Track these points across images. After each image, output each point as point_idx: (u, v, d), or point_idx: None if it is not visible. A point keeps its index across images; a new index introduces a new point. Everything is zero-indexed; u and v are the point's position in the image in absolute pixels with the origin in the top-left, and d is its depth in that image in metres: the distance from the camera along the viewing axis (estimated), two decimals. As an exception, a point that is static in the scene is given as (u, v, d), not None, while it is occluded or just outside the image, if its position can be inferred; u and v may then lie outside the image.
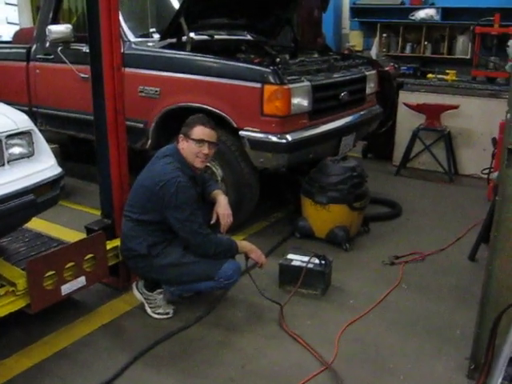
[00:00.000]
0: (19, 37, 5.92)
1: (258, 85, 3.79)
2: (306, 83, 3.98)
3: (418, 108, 5.91)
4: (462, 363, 2.76)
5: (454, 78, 6.42)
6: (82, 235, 3.41)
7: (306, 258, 3.47)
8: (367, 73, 4.94)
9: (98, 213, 3.53)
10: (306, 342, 2.92)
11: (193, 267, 2.96)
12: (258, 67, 3.89)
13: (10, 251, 3.25)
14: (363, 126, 4.90)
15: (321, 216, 4.08)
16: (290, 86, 3.82)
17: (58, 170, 2.90)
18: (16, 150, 2.72)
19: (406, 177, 6.00)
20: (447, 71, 6.52)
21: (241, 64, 3.99)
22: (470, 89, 6.08)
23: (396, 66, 6.52)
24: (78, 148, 5.83)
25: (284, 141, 3.83)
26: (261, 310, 3.27)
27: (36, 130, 2.83)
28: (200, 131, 2.94)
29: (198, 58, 4.10)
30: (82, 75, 4.50)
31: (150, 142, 4.40)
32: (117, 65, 3.13)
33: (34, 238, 3.44)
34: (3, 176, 2.60)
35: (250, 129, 3.88)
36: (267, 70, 3.82)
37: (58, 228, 4.07)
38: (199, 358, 2.81)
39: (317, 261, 3.43)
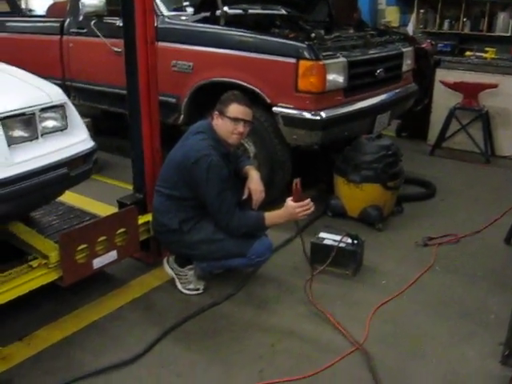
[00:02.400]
0: (53, 11, 5.93)
1: (293, 60, 3.72)
2: (342, 59, 3.89)
3: (456, 86, 5.75)
4: (495, 349, 2.69)
5: (493, 56, 6.20)
6: (114, 209, 3.43)
7: (338, 237, 3.42)
8: (404, 49, 4.81)
9: (130, 187, 3.53)
10: (337, 322, 2.88)
11: (224, 243, 2.93)
12: (293, 42, 3.81)
13: (43, 224, 3.28)
14: (399, 104, 4.78)
15: (354, 195, 4.02)
16: (326, 61, 3.73)
17: (91, 143, 2.90)
18: (49, 124, 2.71)
19: (441, 157, 5.87)
20: (486, 49, 6.31)
21: (275, 39, 3.91)
22: (510, 67, 5.87)
23: (433, 43, 6.38)
24: (110, 122, 5.85)
25: (318, 118, 3.76)
26: (291, 288, 3.24)
27: (69, 103, 2.82)
28: (235, 109, 2.89)
29: (232, 32, 4.03)
30: (116, 49, 4.48)
31: (182, 117, 4.39)
32: (150, 38, 3.09)
33: (66, 212, 3.46)
34: (37, 149, 2.60)
35: (284, 105, 3.82)
36: (302, 45, 3.74)
37: (91, 202, 4.09)
38: (228, 335, 2.80)
39: (349, 240, 3.38)
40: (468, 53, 6.47)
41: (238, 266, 3.06)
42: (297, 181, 2.84)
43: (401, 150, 4.21)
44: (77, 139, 2.78)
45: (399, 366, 2.63)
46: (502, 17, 7.61)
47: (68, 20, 5.08)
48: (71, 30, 5.03)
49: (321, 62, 3.70)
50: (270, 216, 2.93)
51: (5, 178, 2.39)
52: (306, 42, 3.76)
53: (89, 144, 2.86)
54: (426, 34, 7.24)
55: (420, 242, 3.82)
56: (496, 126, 5.83)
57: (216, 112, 2.95)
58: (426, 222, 4.21)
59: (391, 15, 8.46)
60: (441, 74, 5.96)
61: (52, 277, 2.77)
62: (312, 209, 2.89)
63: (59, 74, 5.14)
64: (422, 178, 4.95)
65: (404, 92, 4.84)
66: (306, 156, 4.50)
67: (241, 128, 2.92)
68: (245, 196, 3.08)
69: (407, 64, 4.89)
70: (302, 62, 3.70)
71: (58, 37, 5.11)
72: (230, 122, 2.90)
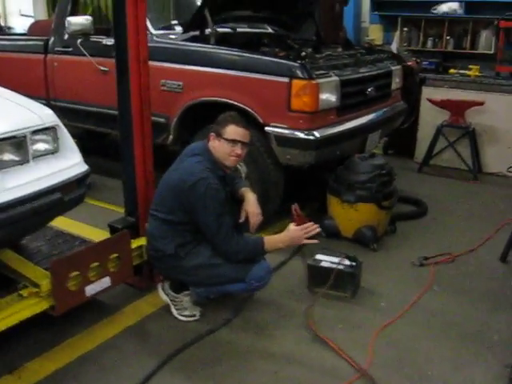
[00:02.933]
0: (35, 29, 5.82)
1: (286, 79, 3.68)
2: (334, 78, 3.86)
3: (443, 104, 5.77)
4: (501, 371, 2.65)
5: (477, 73, 6.27)
6: (104, 233, 3.33)
7: (335, 259, 3.36)
8: (393, 68, 4.82)
9: (119, 209, 3.45)
10: (339, 347, 2.80)
11: (222, 269, 2.85)
12: (285, 61, 3.77)
13: (31, 250, 3.15)
14: (389, 123, 4.78)
15: (348, 215, 3.97)
16: (319, 80, 3.70)
17: (84, 167, 2.79)
18: (41, 147, 2.61)
19: (429, 174, 5.86)
20: (470, 66, 6.37)
21: (268, 58, 3.87)
22: (495, 85, 5.91)
23: (418, 60, 6.38)
24: (95, 142, 5.73)
25: (312, 137, 3.72)
26: (290, 312, 3.16)
27: (61, 125, 2.72)
28: (233, 131, 2.82)
29: (223, 51, 3.98)
30: (102, 68, 4.41)
31: (171, 137, 4.31)
32: (143, 57, 3.02)
33: (55, 236, 3.33)
34: (29, 173, 2.49)
35: (277, 125, 3.77)
36: (295, 64, 3.70)
37: (79, 225, 3.96)
38: (230, 363, 2.70)
39: (347, 262, 3.32)
40: (452, 70, 6.52)
41: (236, 291, 2.97)
42: (295, 206, 2.81)
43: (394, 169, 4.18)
44: (70, 162, 2.67)
45: (405, 392, 2.56)
46: (484, 35, 7.71)
47: (53, 38, 4.98)
48: (56, 49, 4.93)
49: (314, 82, 3.66)
50: (271, 241, 2.86)
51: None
52: (299, 61, 3.73)
53: (82, 167, 2.76)
54: (410, 51, 7.29)
55: (416, 262, 3.77)
56: (483, 143, 5.85)
57: (212, 133, 2.88)
58: (419, 241, 4.17)
59: (374, 33, 8.52)
60: (427, 92, 5.97)
61: (43, 306, 2.64)
62: (317, 230, 2.83)
63: (43, 94, 5.02)
64: (412, 197, 4.92)
65: (393, 110, 4.84)
66: (298, 175, 4.44)
67: (238, 150, 2.85)
68: (242, 219, 3.00)
69: (396, 82, 4.90)
70: (295, 82, 3.66)
71: (42, 56, 5.01)
72: (227, 143, 2.83)
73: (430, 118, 5.98)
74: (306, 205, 4.61)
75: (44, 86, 5.04)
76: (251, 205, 3.01)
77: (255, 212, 3.00)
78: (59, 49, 4.90)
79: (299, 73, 3.66)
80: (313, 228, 2.84)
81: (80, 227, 3.85)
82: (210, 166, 2.84)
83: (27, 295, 2.59)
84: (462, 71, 6.40)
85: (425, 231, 4.39)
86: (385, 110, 4.67)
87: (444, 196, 5.22)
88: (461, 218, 4.69)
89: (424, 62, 6.80)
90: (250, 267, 2.84)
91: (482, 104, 5.61)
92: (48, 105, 4.85)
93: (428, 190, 5.34)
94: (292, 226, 2.85)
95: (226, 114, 2.92)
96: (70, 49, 4.77)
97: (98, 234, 3.62)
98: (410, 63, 5.95)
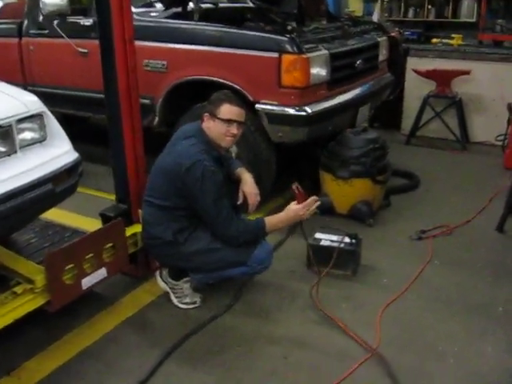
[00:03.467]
0: (5, 12, 5.56)
1: (275, 54, 3.55)
2: (324, 51, 3.74)
3: (428, 74, 5.70)
4: (510, 344, 2.63)
5: (460, 42, 6.22)
6: (95, 221, 3.20)
7: (334, 237, 3.29)
8: (379, 39, 4.72)
9: (107, 196, 3.31)
10: (347, 327, 2.74)
11: (223, 253, 2.75)
12: (274, 36, 3.64)
13: (21, 243, 3.01)
14: (377, 95, 4.68)
15: (343, 191, 3.89)
16: (309, 54, 3.58)
17: (74, 155, 2.65)
18: (28, 135, 2.45)
19: (417, 146, 5.82)
20: (453, 35, 6.31)
21: (255, 33, 3.74)
22: (479, 53, 5.86)
23: (401, 31, 6.28)
24: (73, 127, 5.54)
25: (304, 113, 3.61)
26: (292, 293, 3.09)
27: (48, 111, 2.57)
28: (227, 110, 2.70)
29: (208, 27, 3.83)
30: (81, 50, 4.23)
31: (157, 119, 4.18)
32: (129, 37, 2.88)
33: (44, 228, 3.20)
34: (17, 164, 2.34)
35: (267, 102, 3.65)
36: (284, 38, 3.58)
37: (68, 215, 3.82)
38: (236, 350, 2.62)
39: (347, 239, 3.25)
40: (435, 40, 6.45)
41: (238, 275, 2.88)
42: (296, 185, 2.74)
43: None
44: (59, 151, 2.53)
45: (418, 368, 2.51)
46: (466, 3, 7.62)
47: (27, 21, 4.76)
48: (31, 32, 4.72)
49: (304, 56, 3.55)
50: (272, 221, 2.77)
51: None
52: (288, 35, 3.60)
53: (72, 156, 2.62)
54: (391, 22, 7.18)
55: (414, 236, 3.72)
56: (469, 113, 5.82)
57: (206, 114, 2.76)
58: (415, 215, 4.13)
59: (354, 4, 8.38)
60: (412, 63, 5.90)
61: (39, 302, 2.52)
62: (317, 203, 2.77)
63: (20, 79, 4.81)
64: (404, 169, 4.86)
65: (381, 82, 4.75)
66: (287, 152, 4.34)
67: (234, 130, 2.74)
68: (240, 201, 2.91)
69: (383, 54, 4.81)
70: (285, 56, 3.53)
71: (17, 39, 4.79)
72: (222, 123, 2.71)
73: (415, 89, 5.92)
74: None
75: (20, 70, 4.83)
76: (249, 185, 2.91)
77: (253, 192, 2.91)
78: (34, 31, 4.69)
79: (289, 47, 3.54)
80: (313, 203, 2.79)
81: (70, 217, 3.71)
82: (205, 147, 2.72)
83: (21, 292, 2.47)
84: (444, 40, 6.34)
85: (419, 204, 4.34)
86: (373, 82, 4.57)
87: (434, 167, 5.18)
88: (453, 188, 4.66)
89: (406, 33, 6.71)
90: (251, 250, 2.75)
91: (468, 73, 5.56)
92: (25, 90, 4.69)
93: (417, 161, 5.29)
94: (293, 205, 2.77)
95: (219, 93, 2.80)
96: (46, 31, 4.56)
97: (89, 223, 3.48)
98: (393, 34, 5.85)
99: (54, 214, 3.48)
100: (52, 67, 4.66)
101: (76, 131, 5.36)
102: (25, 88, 4.65)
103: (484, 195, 4.40)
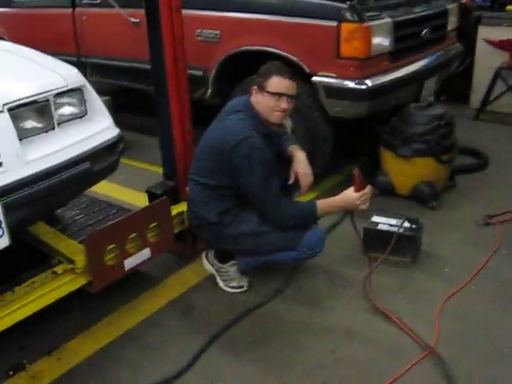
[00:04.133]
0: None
1: (334, 23, 3.31)
2: (387, 20, 3.46)
3: (502, 44, 5.26)
4: None
5: (537, 9, 5.70)
6: (143, 196, 3.10)
7: (393, 221, 3.06)
8: (448, 6, 4.35)
9: (155, 169, 3.21)
10: (402, 321, 2.54)
11: (271, 236, 2.59)
12: (332, 3, 3.38)
13: (65, 220, 2.95)
14: (445, 67, 4.34)
15: (404, 170, 3.63)
16: (370, 23, 3.32)
17: (115, 131, 2.52)
18: (66, 111, 2.33)
19: (487, 121, 5.41)
20: (530, 1, 5.79)
21: (313, 0, 3.48)
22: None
23: (473, -3, 5.83)
24: (129, 98, 5.49)
25: (364, 86, 3.37)
26: (345, 280, 2.90)
27: (88, 85, 2.44)
28: (277, 83, 2.50)
29: (263, -6, 3.61)
30: (133, 20, 4.10)
31: (210, 90, 4.03)
32: (175, 5, 2.71)
33: (90, 204, 3.12)
34: (54, 141, 2.23)
35: (325, 74, 3.42)
36: (343, 5, 3.32)
37: (115, 188, 3.75)
38: (281, 340, 2.47)
39: (406, 224, 3.01)
40: (509, 7, 5.93)
41: (287, 260, 2.71)
42: (357, 171, 2.54)
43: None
44: (99, 127, 2.40)
45: (479, 372, 2.28)
46: (544, -36, 6.99)
47: (80, -10, 4.67)
48: (84, 2, 4.62)
49: (365, 24, 3.28)
50: (324, 205, 2.58)
51: (18, 180, 2.03)
52: (348, 2, 3.33)
53: (113, 132, 2.49)
54: (463, -13, 6.69)
55: (480, 221, 3.43)
56: (546, 85, 5.35)
57: (255, 87, 2.57)
58: (482, 198, 3.82)
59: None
60: (484, 32, 5.45)
61: (80, 283, 2.45)
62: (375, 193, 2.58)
63: (73, 51, 4.75)
64: (471, 147, 4.51)
65: (450, 53, 4.40)
66: (347, 128, 4.09)
67: (284, 104, 2.53)
68: (291, 181, 2.72)
69: (452, 22, 4.44)
70: (345, 25, 3.28)
71: (70, 10, 4.70)
72: (271, 97, 2.52)
73: (486, 61, 5.47)
74: (355, 159, 4.32)
75: (74, 42, 4.76)
76: (301, 165, 2.72)
77: (306, 173, 2.71)
78: (87, 1, 4.59)
79: (348, 15, 3.28)
80: (370, 194, 2.60)
81: (116, 190, 3.63)
82: (254, 123, 2.54)
83: (62, 272, 2.40)
84: (520, 7, 5.82)
85: (487, 186, 4.02)
86: (441, 53, 4.24)
87: (505, 146, 4.79)
88: (526, 169, 4.30)
89: (478, -1, 6.20)
90: (301, 234, 2.57)
91: (546, 42, 5.09)
92: (79, 62, 4.64)
93: (487, 139, 4.92)
94: (350, 192, 2.57)
95: (268, 64, 2.60)
96: (98, 1, 4.45)
97: (137, 198, 3.42)
98: (463, 1, 5.43)
99: (102, 188, 3.42)
100: (104, 38, 4.56)
101: (131, 102, 5.42)
102: (78, 59, 4.61)
103: (560, 178, 4.04)
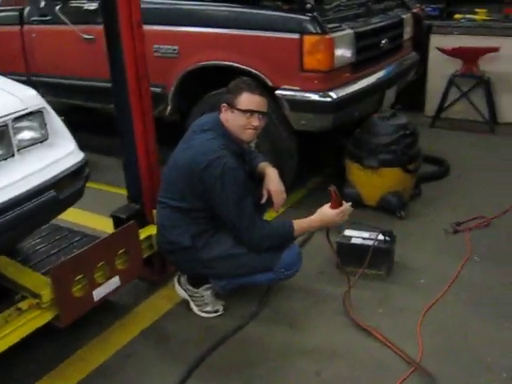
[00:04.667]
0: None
1: (296, 35, 3.27)
2: (349, 31, 3.45)
3: (454, 52, 5.35)
4: None
5: (484, 17, 5.84)
6: (103, 219, 2.97)
7: (365, 234, 3.03)
8: (404, 16, 4.39)
9: (116, 190, 3.06)
10: (385, 337, 2.48)
11: (247, 258, 2.49)
12: (294, 15, 3.34)
13: (26, 250, 2.76)
14: (404, 76, 4.38)
15: (371, 181, 3.61)
16: (333, 34, 3.30)
17: (80, 155, 2.37)
18: (26, 135, 2.17)
19: (443, 128, 5.48)
20: (476, 10, 5.93)
21: (273, 12, 3.44)
22: (507, 28, 5.50)
23: (422, 7, 5.93)
24: (81, 117, 5.29)
25: (329, 99, 3.33)
26: (323, 298, 2.84)
27: (48, 107, 2.29)
28: (248, 99, 2.41)
29: (223, 8, 3.54)
30: (86, 36, 3.96)
31: (169, 107, 3.92)
32: (136, 20, 2.60)
33: (51, 232, 2.94)
34: (15, 169, 2.07)
35: (289, 87, 3.38)
36: (305, 17, 3.28)
37: (75, 212, 3.56)
38: (264, 365, 2.38)
39: (380, 237, 2.98)
40: (457, 15, 6.07)
41: (264, 281, 2.63)
42: (333, 188, 2.51)
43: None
44: (63, 152, 2.25)
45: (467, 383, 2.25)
46: (489, -26, 7.20)
47: (28, 7, 4.48)
48: (32, 19, 4.44)
49: (328, 36, 3.26)
50: (301, 225, 2.50)
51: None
52: (309, 14, 3.30)
53: (78, 156, 2.34)
54: (411, -2, 6.80)
55: (449, 229, 3.44)
56: (496, 92, 5.47)
57: (224, 104, 2.48)
58: (447, 205, 3.84)
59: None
60: (436, 41, 5.56)
61: (46, 318, 2.29)
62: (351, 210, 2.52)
63: (23, 69, 4.55)
64: (432, 155, 4.55)
65: (407, 62, 4.44)
66: (311, 141, 4.05)
67: (256, 121, 2.45)
68: (264, 199, 2.63)
69: (407, 32, 4.49)
70: (307, 37, 3.25)
71: (18, 27, 4.51)
72: (242, 115, 2.43)
73: (439, 69, 5.58)
74: (319, 172, 4.30)
75: (23, 60, 4.56)
76: (273, 182, 2.63)
77: (279, 190, 2.63)
78: (36, 18, 4.41)
79: (311, 27, 3.25)
80: (348, 212, 2.55)
81: (77, 214, 3.46)
82: (225, 141, 2.45)
83: (27, 308, 2.23)
84: (468, 16, 5.96)
85: (451, 192, 4.05)
86: (399, 62, 4.27)
87: (462, 151, 4.86)
88: (485, 174, 4.36)
89: (427, 9, 6.31)
90: (278, 254, 2.49)
91: (497, 50, 5.21)
92: (29, 81, 4.43)
93: (444, 145, 4.98)
94: (327, 209, 2.50)
95: (237, 81, 2.51)
96: (49, 17, 4.28)
97: (98, 222, 3.27)
98: (415, 10, 5.51)
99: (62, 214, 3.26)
100: (56, 56, 4.38)
101: (82, 121, 5.22)
102: (28, 78, 4.42)
103: (519, 182, 4.12)
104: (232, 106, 2.44)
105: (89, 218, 3.51)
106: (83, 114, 5.28)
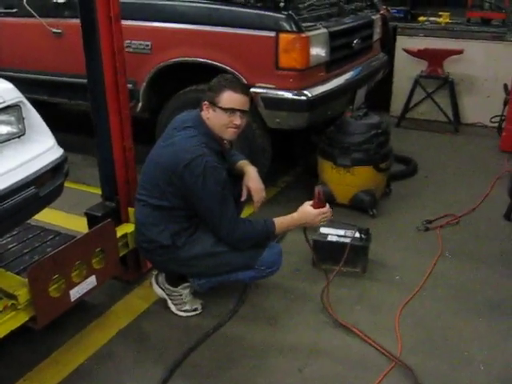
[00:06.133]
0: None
1: (272, 33, 3.26)
2: (323, 30, 3.46)
3: (420, 54, 5.47)
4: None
5: (447, 20, 5.99)
6: (79, 219, 2.88)
7: (341, 232, 3.05)
8: (373, 17, 4.45)
9: (88, 189, 2.99)
10: (364, 333, 2.51)
11: (228, 256, 2.47)
12: (270, 13, 3.33)
13: (-2, 251, 2.68)
14: (374, 76, 4.43)
15: (344, 180, 3.64)
16: (308, 33, 3.30)
17: (59, 151, 2.29)
18: (2, 130, 2.10)
19: (408, 128, 5.60)
20: (440, 13, 6.07)
21: (248, 10, 3.42)
22: (470, 32, 5.65)
23: (388, 9, 6.03)
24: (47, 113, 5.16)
25: (304, 97, 3.34)
26: (300, 295, 2.85)
27: (26, 101, 2.22)
28: (230, 98, 2.38)
29: (197, 4, 3.50)
30: (55, 30, 3.86)
31: (140, 104, 3.84)
32: (115, 14, 2.54)
33: (23, 231, 2.85)
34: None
35: (264, 85, 3.37)
36: (281, 15, 3.28)
37: (50, 212, 3.49)
38: (246, 363, 2.36)
39: (357, 234, 3.00)
40: (422, 18, 6.20)
41: (244, 279, 2.60)
42: (320, 187, 2.54)
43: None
44: (42, 147, 2.18)
45: (446, 376, 2.31)
46: (454, -22, 7.37)
47: (-8, -1, 4.34)
48: (-3, 11, 4.31)
49: (303, 35, 3.27)
50: (281, 222, 2.49)
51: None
52: (285, 12, 3.30)
53: (57, 152, 2.27)
54: (378, -1, 6.89)
55: (421, 227, 3.52)
56: (460, 93, 5.61)
57: (206, 102, 2.44)
58: (418, 202, 3.93)
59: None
60: (402, 42, 5.67)
61: (22, 319, 2.21)
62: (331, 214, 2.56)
63: (-13, 63, 4.41)
64: (400, 154, 4.62)
65: (377, 62, 4.49)
66: (282, 139, 4.06)
67: (238, 120, 2.42)
68: (244, 197, 2.62)
69: (377, 33, 4.56)
70: (283, 36, 3.25)
71: (-18, 19, 4.37)
72: (223, 113, 2.40)
73: (405, 70, 5.71)
74: (289, 170, 4.31)
75: (-14, 54, 4.42)
76: (253, 180, 2.62)
77: (258, 188, 2.61)
78: (2, 11, 4.26)
79: (287, 25, 3.24)
80: (329, 214, 2.55)
81: (48, 214, 3.37)
82: (206, 139, 2.41)
83: (2, 309, 2.15)
84: (431, 18, 6.10)
85: (420, 191, 4.14)
86: (369, 62, 4.32)
87: (428, 151, 4.98)
88: (452, 173, 4.48)
89: (392, 11, 6.41)
90: (260, 252, 2.48)
91: (461, 52, 5.35)
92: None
93: (411, 145, 5.07)
94: (309, 208, 2.50)
95: (220, 78, 2.47)
96: (15, 10, 4.14)
97: (70, 220, 3.19)
98: (382, 12, 5.59)
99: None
100: (22, 49, 4.25)
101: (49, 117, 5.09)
102: (-8, 73, 4.27)
103: (484, 180, 4.23)
104: (214, 104, 2.40)
105: (63, 218, 3.41)
106: (47, 109, 5.15)
